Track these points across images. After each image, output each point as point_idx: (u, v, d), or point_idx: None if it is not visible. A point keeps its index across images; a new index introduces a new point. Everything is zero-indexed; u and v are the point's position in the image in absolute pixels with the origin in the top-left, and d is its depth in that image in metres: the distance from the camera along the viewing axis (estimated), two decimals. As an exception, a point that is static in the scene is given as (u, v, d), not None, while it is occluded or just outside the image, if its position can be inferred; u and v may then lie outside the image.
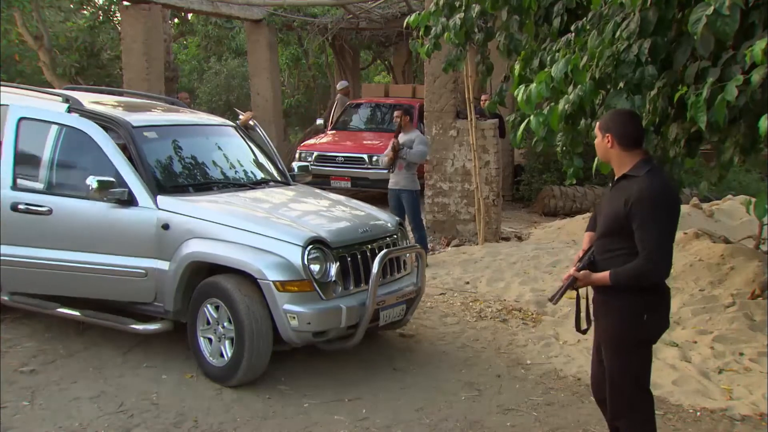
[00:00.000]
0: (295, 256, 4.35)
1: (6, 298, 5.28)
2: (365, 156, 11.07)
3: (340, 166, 11.40)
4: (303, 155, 11.67)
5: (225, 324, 4.44)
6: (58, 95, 5.49)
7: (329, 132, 12.96)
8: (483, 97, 10.28)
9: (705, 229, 7.73)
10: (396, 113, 7.92)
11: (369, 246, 4.75)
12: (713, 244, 6.93)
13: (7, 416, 4.01)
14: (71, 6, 17.14)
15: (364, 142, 11.83)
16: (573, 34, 3.98)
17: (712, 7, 2.83)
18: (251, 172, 5.69)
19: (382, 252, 4.63)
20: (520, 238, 9.17)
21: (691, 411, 4.26)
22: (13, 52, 17.29)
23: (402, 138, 7.57)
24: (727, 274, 6.19)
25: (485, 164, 8.71)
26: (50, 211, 4.91)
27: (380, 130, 12.31)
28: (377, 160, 7.94)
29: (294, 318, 4.28)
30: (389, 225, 5.13)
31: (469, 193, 8.79)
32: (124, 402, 4.22)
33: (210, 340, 4.54)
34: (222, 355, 4.46)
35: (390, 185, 7.73)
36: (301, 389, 4.46)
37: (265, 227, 4.54)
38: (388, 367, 4.88)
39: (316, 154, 11.65)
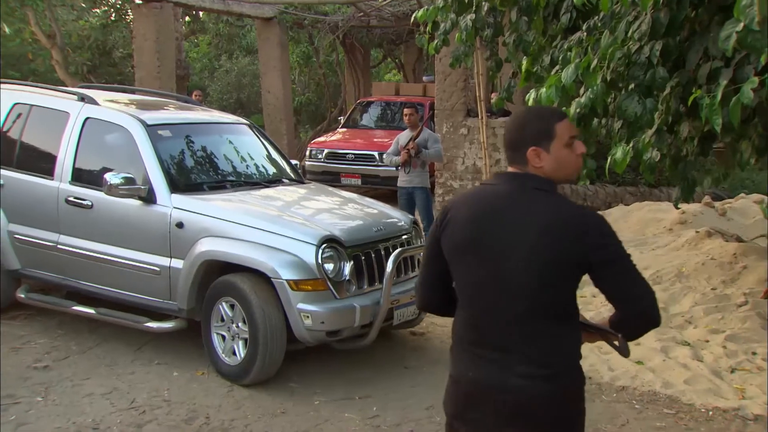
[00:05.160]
0: (308, 254, 4.35)
1: (23, 295, 5.34)
2: (376, 153, 11.07)
3: (350, 164, 11.42)
4: (314, 152, 11.72)
5: (239, 323, 4.43)
6: (74, 94, 5.53)
7: (340, 130, 12.99)
8: (493, 95, 10.26)
9: (717, 228, 7.69)
10: (406, 111, 7.90)
11: (383, 245, 4.75)
12: (726, 243, 6.89)
13: (21, 411, 4.05)
14: (83, 5, 17.23)
15: (375, 139, 11.84)
16: (585, 33, 3.96)
17: (741, 24, 2.77)
18: (265, 170, 5.70)
19: (397, 251, 4.62)
20: (530, 237, 9.15)
21: (703, 410, 4.24)
22: (27, 50, 17.40)
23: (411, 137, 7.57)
24: (740, 273, 6.16)
25: (496, 162, 8.70)
26: (91, 206, 4.98)
27: (391, 128, 12.32)
28: (386, 160, 7.89)
29: (308, 317, 4.27)
30: (403, 223, 5.12)
31: (480, 192, 8.76)
32: (136, 398, 4.25)
33: (224, 338, 4.54)
34: (235, 354, 4.46)
35: (401, 183, 7.71)
36: (311, 387, 4.47)
37: (278, 226, 4.53)
38: (398, 365, 4.89)
39: (326, 151, 11.67)
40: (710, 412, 4.21)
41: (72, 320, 5.36)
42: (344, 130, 12.85)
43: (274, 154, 5.92)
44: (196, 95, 10.90)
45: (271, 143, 6.04)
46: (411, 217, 5.45)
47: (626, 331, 2.10)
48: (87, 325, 5.32)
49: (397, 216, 5.25)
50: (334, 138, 12.44)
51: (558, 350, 2.05)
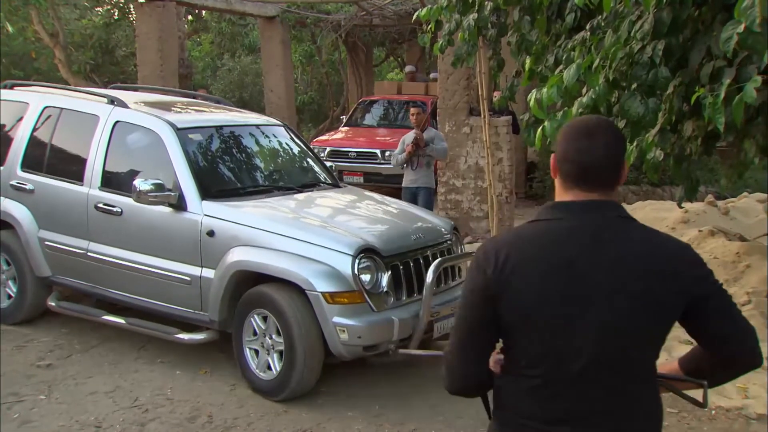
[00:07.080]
0: (344, 265, 4.14)
1: (53, 303, 5.26)
2: (378, 151, 11.09)
3: (353, 162, 11.43)
4: (316, 151, 11.71)
5: (273, 336, 4.26)
6: (104, 96, 5.39)
7: (342, 128, 13.02)
8: (495, 94, 10.25)
9: (720, 227, 7.67)
10: (413, 110, 7.91)
11: (422, 253, 4.51)
12: (728, 242, 6.88)
13: (25, 409, 4.07)
14: (86, 3, 17.24)
15: (377, 137, 11.85)
16: (588, 32, 3.96)
17: (743, 25, 2.75)
18: (299, 174, 5.52)
19: (437, 261, 4.35)
20: (533, 236, 9.13)
21: (705, 409, 4.24)
22: (30, 49, 17.42)
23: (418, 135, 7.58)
24: (743, 272, 6.14)
25: (498, 161, 8.69)
26: (121, 212, 4.85)
27: (393, 126, 12.34)
28: (390, 157, 7.92)
29: (344, 331, 4.05)
30: (443, 230, 4.87)
31: (482, 190, 8.76)
32: (139, 397, 4.26)
33: (257, 352, 4.37)
34: (270, 368, 4.29)
35: (406, 183, 7.72)
36: (314, 385, 4.47)
37: (313, 235, 4.34)
38: (402, 364, 4.88)
39: (329, 149, 11.69)
40: (713, 411, 4.21)
41: (75, 319, 5.36)
42: (346, 128, 12.87)
43: (309, 157, 5.71)
44: (201, 92, 10.92)
45: (306, 145, 5.82)
46: (451, 222, 5.16)
47: (721, 375, 1.75)
48: (90, 324, 5.32)
49: (436, 222, 5.01)
50: (336, 136, 12.45)
51: (654, 418, 1.70)
